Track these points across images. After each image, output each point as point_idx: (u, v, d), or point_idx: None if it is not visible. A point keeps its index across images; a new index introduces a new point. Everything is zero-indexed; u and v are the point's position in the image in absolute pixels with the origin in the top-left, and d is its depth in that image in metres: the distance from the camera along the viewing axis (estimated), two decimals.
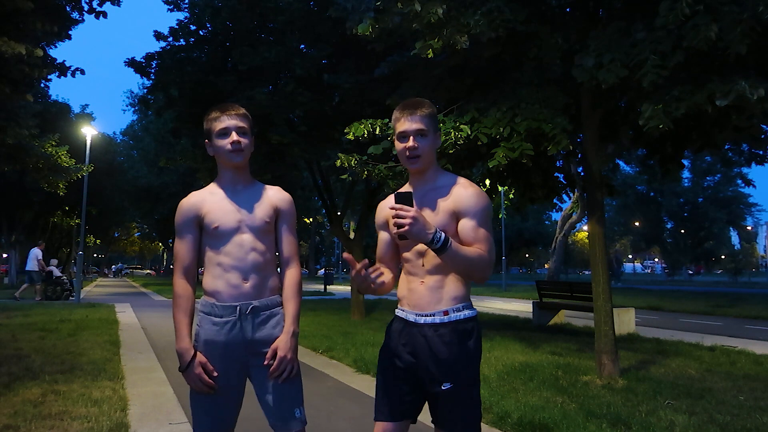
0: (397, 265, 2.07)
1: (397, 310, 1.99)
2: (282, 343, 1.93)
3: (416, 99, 1.96)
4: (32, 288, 16.06)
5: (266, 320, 1.96)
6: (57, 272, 17.06)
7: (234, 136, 1.97)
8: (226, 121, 1.98)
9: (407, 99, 2.01)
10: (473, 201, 1.85)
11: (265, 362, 1.92)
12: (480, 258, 1.79)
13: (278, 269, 2.10)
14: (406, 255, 1.94)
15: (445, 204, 1.87)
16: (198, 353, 1.90)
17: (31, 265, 15.88)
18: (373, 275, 1.78)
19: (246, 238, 1.97)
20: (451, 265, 1.80)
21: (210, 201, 2.00)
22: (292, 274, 2.04)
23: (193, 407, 1.96)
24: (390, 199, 2.00)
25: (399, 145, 1.91)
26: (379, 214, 2.07)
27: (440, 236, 1.70)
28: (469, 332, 1.84)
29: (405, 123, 1.89)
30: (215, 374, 1.90)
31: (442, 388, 1.80)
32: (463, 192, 1.87)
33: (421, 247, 1.86)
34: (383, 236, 2.05)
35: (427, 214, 1.86)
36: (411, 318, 1.89)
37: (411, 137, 1.88)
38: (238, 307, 1.93)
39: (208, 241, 1.99)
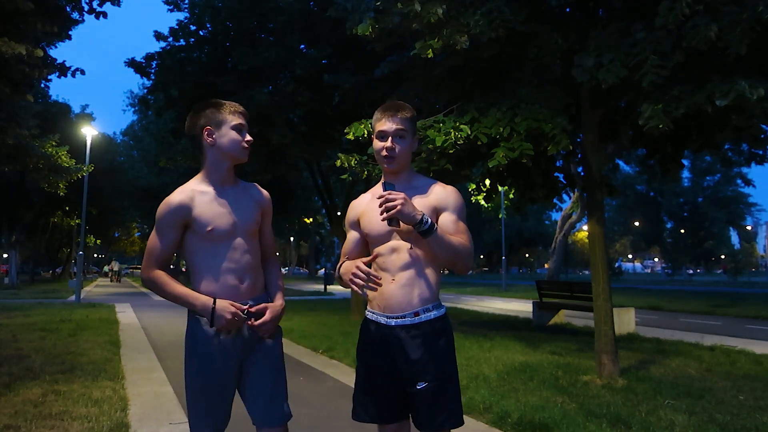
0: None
1: (367, 312, 1.99)
2: (271, 308, 2.00)
3: (398, 102, 2.01)
4: None
5: (259, 317, 1.99)
6: None
7: (248, 136, 2.03)
8: (242, 119, 2.02)
9: (392, 101, 2.05)
10: (452, 197, 1.95)
11: (252, 321, 1.95)
12: (463, 247, 1.86)
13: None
14: (379, 250, 1.94)
15: (425, 200, 1.93)
16: (217, 299, 1.91)
17: None
18: (371, 282, 1.80)
19: (240, 240, 1.98)
20: (437, 250, 1.84)
21: (200, 201, 1.95)
22: (275, 266, 2.18)
23: (194, 407, 1.93)
24: (362, 199, 2.08)
25: (377, 144, 1.97)
26: (351, 212, 2.09)
27: (427, 218, 1.78)
28: (439, 331, 1.90)
29: (386, 123, 1.95)
30: (244, 308, 1.94)
31: (417, 387, 1.85)
32: (442, 190, 1.96)
33: (394, 243, 1.91)
34: (353, 235, 2.07)
35: None
36: (382, 320, 1.92)
37: (390, 138, 1.93)
38: None
39: (200, 243, 1.95)
